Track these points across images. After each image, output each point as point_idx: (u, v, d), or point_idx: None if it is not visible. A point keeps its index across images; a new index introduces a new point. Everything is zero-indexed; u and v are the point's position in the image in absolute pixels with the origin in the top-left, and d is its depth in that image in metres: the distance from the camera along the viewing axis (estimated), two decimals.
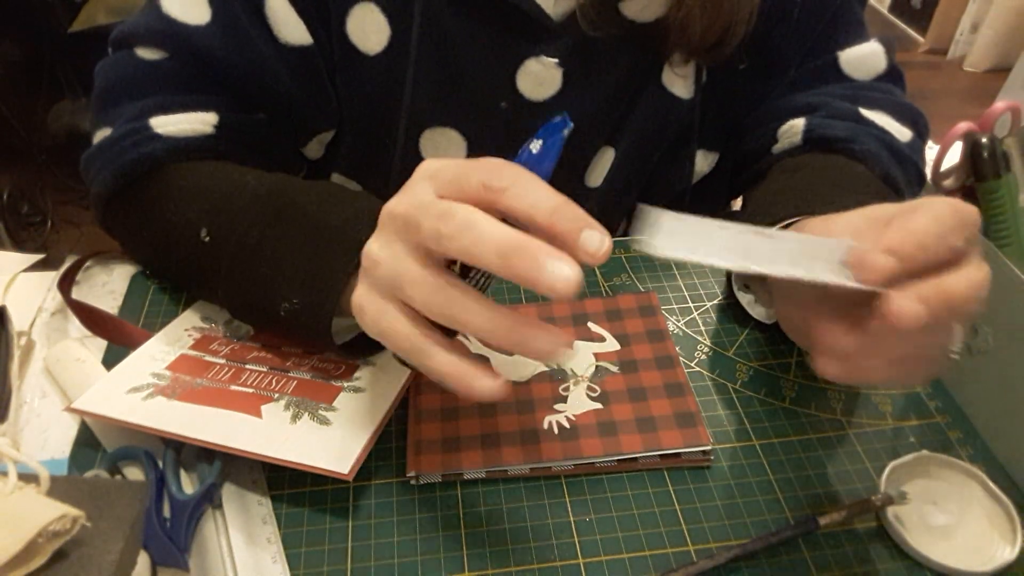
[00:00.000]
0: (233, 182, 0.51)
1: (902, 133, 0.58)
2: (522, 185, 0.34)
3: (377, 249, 0.37)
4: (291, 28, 0.57)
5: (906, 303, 0.33)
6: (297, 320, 0.45)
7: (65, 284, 0.56)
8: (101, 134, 0.56)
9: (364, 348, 0.48)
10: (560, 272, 0.31)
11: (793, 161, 0.57)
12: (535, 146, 0.37)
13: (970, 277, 0.34)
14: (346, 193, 0.48)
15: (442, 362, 0.36)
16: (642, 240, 0.34)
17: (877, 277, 0.34)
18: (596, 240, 0.32)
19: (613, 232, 0.68)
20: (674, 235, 0.34)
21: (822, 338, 0.37)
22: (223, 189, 0.50)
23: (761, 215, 0.47)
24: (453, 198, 0.35)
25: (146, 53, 0.56)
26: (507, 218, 0.34)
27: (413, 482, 0.45)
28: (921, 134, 0.61)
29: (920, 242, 0.34)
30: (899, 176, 0.54)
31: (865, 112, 0.58)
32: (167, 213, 0.52)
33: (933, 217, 0.35)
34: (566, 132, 0.36)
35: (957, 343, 0.37)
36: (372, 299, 0.37)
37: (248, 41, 0.56)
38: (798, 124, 0.59)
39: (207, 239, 0.49)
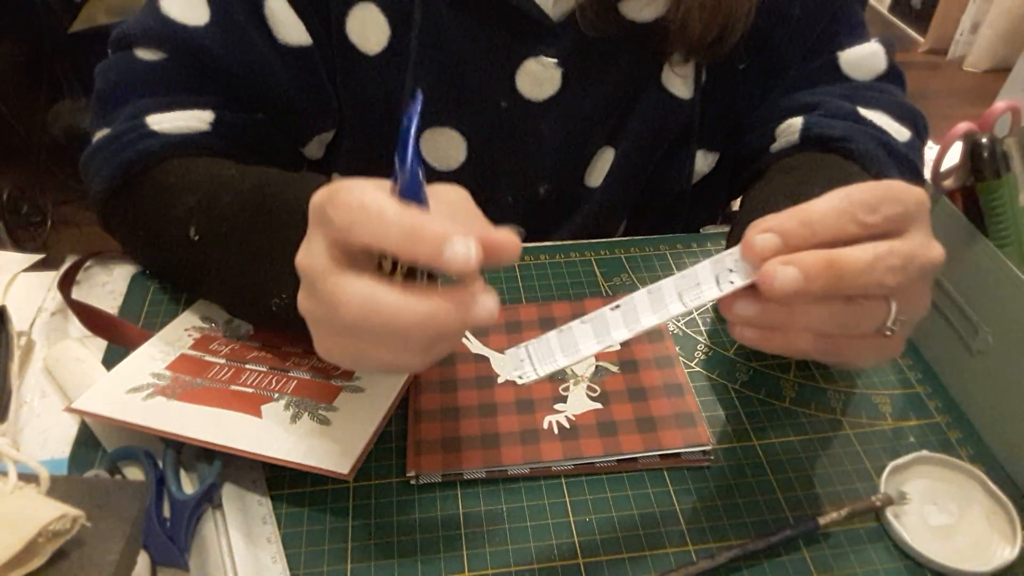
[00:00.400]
0: (218, 178, 0.51)
1: (900, 133, 0.58)
2: (371, 226, 0.32)
3: (313, 309, 0.36)
4: (290, 29, 0.57)
5: (775, 267, 0.34)
6: (289, 315, 0.45)
7: (65, 284, 0.56)
8: (100, 134, 0.56)
9: None
10: (456, 254, 0.31)
11: (789, 161, 0.57)
12: (398, 170, 0.34)
13: (874, 250, 0.34)
14: (322, 179, 0.47)
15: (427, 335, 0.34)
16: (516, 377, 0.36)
17: (755, 257, 0.34)
18: (461, 250, 0.31)
19: (613, 232, 0.69)
20: (534, 357, 0.36)
21: (724, 304, 0.36)
22: (209, 186, 0.50)
23: (757, 214, 0.47)
24: (335, 248, 0.34)
25: (145, 54, 0.56)
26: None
27: (413, 482, 0.45)
28: (920, 134, 0.61)
29: (805, 219, 0.34)
30: (895, 176, 0.54)
31: (863, 111, 0.58)
32: (158, 212, 0.52)
33: (842, 194, 0.35)
34: (405, 122, 0.33)
35: (891, 322, 0.37)
36: (341, 350, 0.36)
37: (247, 42, 0.56)
38: (796, 123, 0.59)
39: (196, 238, 0.49)
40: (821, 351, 0.37)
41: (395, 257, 0.34)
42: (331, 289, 0.33)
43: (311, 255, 0.35)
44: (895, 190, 0.36)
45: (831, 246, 0.35)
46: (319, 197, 0.35)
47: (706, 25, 0.56)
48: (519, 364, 0.36)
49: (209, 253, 0.48)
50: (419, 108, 0.33)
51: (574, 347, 0.37)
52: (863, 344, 0.38)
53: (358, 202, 0.32)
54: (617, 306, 0.36)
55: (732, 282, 0.35)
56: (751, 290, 0.35)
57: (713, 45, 0.57)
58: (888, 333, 0.37)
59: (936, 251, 0.37)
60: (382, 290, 0.33)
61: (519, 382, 0.36)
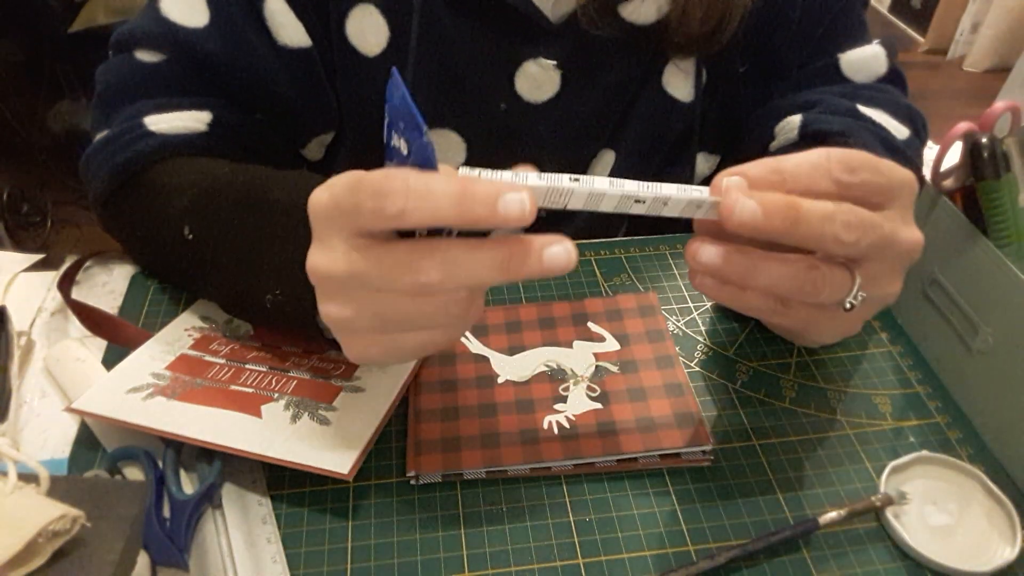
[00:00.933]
0: (212, 177, 0.51)
1: (899, 131, 0.58)
2: (413, 201, 0.31)
3: (340, 311, 0.35)
4: (290, 30, 0.57)
5: (736, 197, 0.34)
6: (283, 311, 0.45)
7: (65, 284, 0.56)
8: (99, 136, 0.56)
9: None
10: (511, 205, 0.31)
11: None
12: (401, 144, 0.34)
13: (836, 209, 0.34)
14: (314, 177, 0.47)
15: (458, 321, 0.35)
16: None
17: (718, 192, 0.35)
18: (516, 204, 0.31)
19: (613, 234, 0.69)
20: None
21: (689, 247, 0.36)
22: (203, 185, 0.50)
23: None
24: (363, 231, 0.33)
25: (145, 56, 0.56)
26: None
27: (413, 482, 0.45)
28: (919, 133, 0.61)
29: (775, 167, 0.35)
30: None
31: (862, 108, 0.58)
32: (154, 212, 0.52)
33: (821, 151, 0.35)
34: (400, 97, 0.33)
35: (853, 296, 0.37)
36: (376, 348, 0.36)
37: (246, 44, 0.56)
38: (794, 120, 0.59)
39: (191, 237, 0.49)
40: (778, 313, 0.37)
41: (450, 227, 0.33)
42: (392, 262, 0.33)
43: (333, 254, 0.34)
44: (881, 163, 0.36)
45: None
46: (329, 195, 0.34)
47: (705, 16, 0.56)
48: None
49: (204, 252, 0.48)
50: (400, 81, 0.33)
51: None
52: (820, 315, 0.38)
53: (403, 186, 0.31)
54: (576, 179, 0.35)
55: (699, 206, 0.35)
56: (716, 237, 0.36)
57: (711, 37, 0.57)
58: (847, 307, 0.37)
59: (911, 235, 0.37)
60: (443, 241, 0.33)
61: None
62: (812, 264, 0.35)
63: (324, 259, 0.35)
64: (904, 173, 0.37)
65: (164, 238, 0.51)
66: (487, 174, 0.34)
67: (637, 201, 0.35)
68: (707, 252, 0.35)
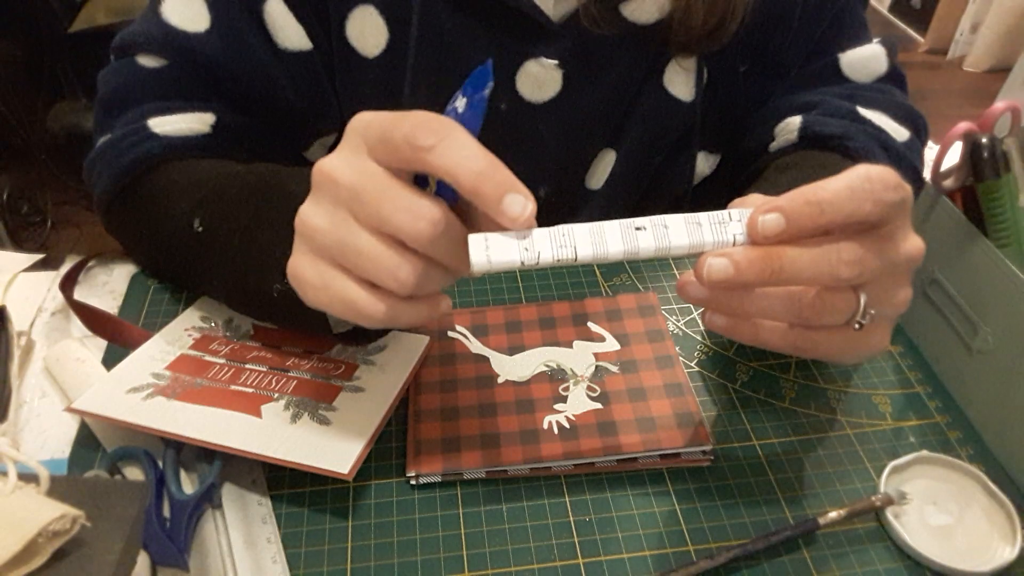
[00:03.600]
0: (224, 173, 0.51)
1: (899, 132, 0.58)
2: (448, 143, 0.33)
3: (315, 215, 0.36)
4: (290, 33, 0.57)
5: (710, 259, 0.34)
6: (290, 301, 0.45)
7: (67, 285, 0.56)
8: (103, 139, 0.56)
9: (364, 335, 0.48)
10: (513, 205, 0.33)
11: (786, 160, 0.57)
12: (460, 104, 0.36)
13: (831, 249, 0.34)
14: None
15: (414, 314, 0.37)
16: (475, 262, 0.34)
17: (761, 239, 0.34)
18: (519, 205, 0.33)
19: None
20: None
21: (679, 284, 0.37)
22: (214, 180, 0.50)
23: None
24: (383, 157, 0.35)
25: (147, 60, 0.56)
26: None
27: (413, 482, 0.45)
28: (919, 135, 0.61)
29: (812, 199, 0.34)
30: None
31: (862, 110, 0.58)
32: (161, 209, 0.52)
33: (856, 174, 0.34)
34: (489, 87, 0.35)
35: (860, 315, 0.36)
36: (316, 269, 0.37)
37: (247, 47, 0.56)
38: (794, 122, 0.59)
39: (200, 228, 0.49)
40: (791, 344, 0.37)
41: (458, 187, 0.34)
42: (392, 194, 0.34)
43: (346, 159, 0.35)
44: (893, 177, 0.36)
45: (847, 226, 0.34)
46: (373, 114, 0.35)
47: (707, 14, 0.56)
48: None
49: (212, 243, 0.48)
50: (488, 92, 0.35)
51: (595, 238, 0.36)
52: (833, 337, 0.37)
53: (444, 129, 0.33)
54: (641, 227, 0.35)
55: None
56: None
57: (713, 34, 0.57)
58: (857, 327, 0.37)
59: (911, 246, 0.36)
60: (442, 203, 0.34)
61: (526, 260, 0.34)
62: (809, 289, 0.35)
63: (336, 161, 0.36)
64: (908, 186, 0.36)
65: (171, 234, 0.51)
66: (496, 239, 0.34)
67: (638, 228, 0.35)
68: (695, 286, 0.36)
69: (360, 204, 0.35)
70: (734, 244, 0.35)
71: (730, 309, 0.37)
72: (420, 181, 0.37)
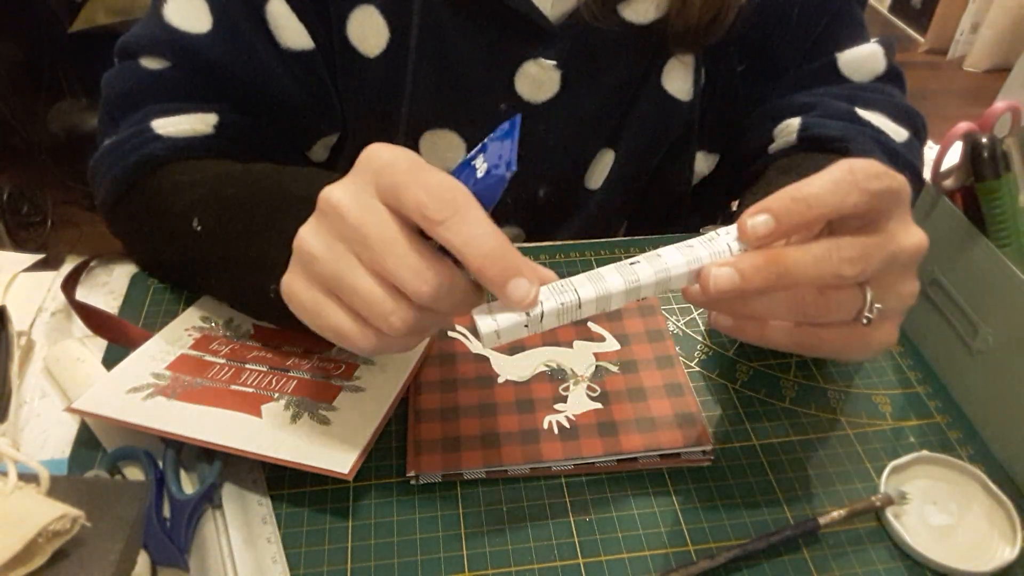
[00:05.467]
0: (223, 173, 0.51)
1: (898, 133, 0.58)
2: (459, 220, 0.33)
3: (315, 242, 0.36)
4: (292, 33, 0.57)
5: (713, 270, 0.34)
6: (286, 303, 0.45)
7: (69, 286, 0.56)
8: (107, 142, 0.56)
9: None
10: (517, 290, 0.33)
11: (785, 162, 0.57)
12: (480, 166, 0.35)
13: (833, 246, 0.34)
14: (322, 172, 0.48)
15: (401, 343, 0.36)
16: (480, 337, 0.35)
17: (749, 239, 0.35)
18: (522, 290, 0.33)
19: (613, 234, 0.68)
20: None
21: (684, 290, 0.37)
22: (214, 180, 0.51)
23: None
24: (393, 205, 0.34)
25: (149, 63, 0.56)
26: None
27: (413, 482, 0.45)
28: (918, 135, 0.61)
29: (798, 195, 0.34)
30: None
31: (861, 112, 0.58)
32: (162, 208, 0.52)
33: (839, 167, 0.35)
34: (512, 162, 0.33)
35: (868, 310, 0.36)
36: (310, 294, 0.37)
37: (249, 48, 0.56)
38: (793, 123, 0.59)
39: (199, 228, 0.49)
40: (797, 343, 0.37)
41: (465, 265, 0.34)
42: (394, 243, 0.34)
43: (355, 192, 0.35)
44: (889, 169, 0.36)
45: (844, 222, 0.35)
46: (391, 154, 0.35)
47: (703, 7, 0.56)
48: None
49: (212, 243, 0.48)
50: (519, 125, 0.34)
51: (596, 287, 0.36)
52: (841, 334, 0.37)
53: (462, 202, 0.33)
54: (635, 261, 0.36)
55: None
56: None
57: (710, 26, 0.57)
58: (865, 321, 0.37)
59: (913, 239, 0.37)
60: (449, 263, 0.34)
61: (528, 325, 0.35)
62: (816, 287, 0.35)
63: (343, 194, 0.35)
64: (902, 177, 0.37)
65: (172, 233, 0.51)
66: (502, 318, 0.34)
67: (633, 263, 0.36)
68: (696, 290, 0.36)
69: (364, 247, 0.34)
70: (731, 254, 0.35)
71: (736, 311, 0.37)
72: None
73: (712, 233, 0.36)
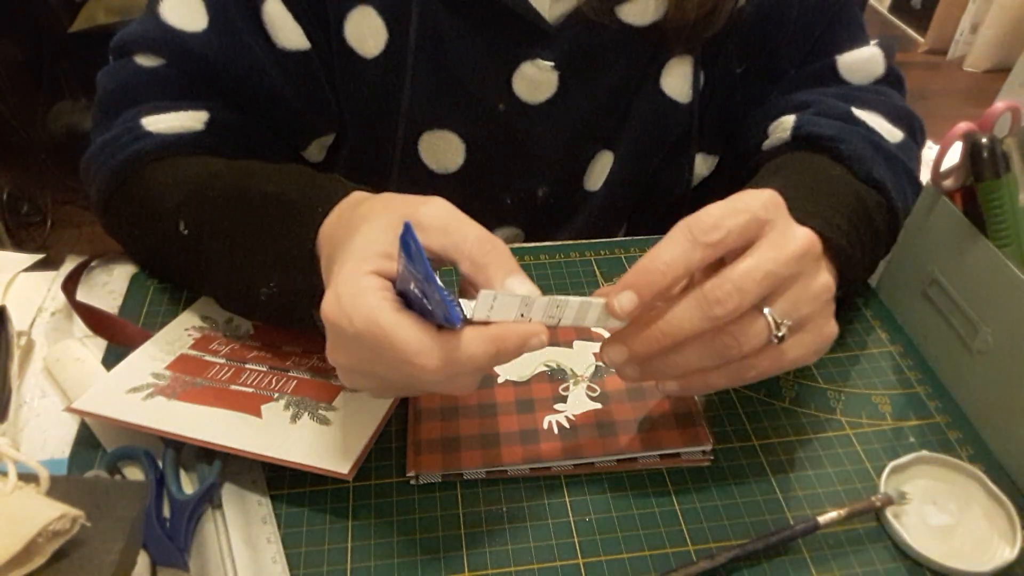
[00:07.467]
0: (205, 172, 0.51)
1: (892, 134, 0.58)
2: (457, 371, 0.36)
3: (339, 356, 0.38)
4: (288, 33, 0.57)
5: (606, 348, 0.39)
6: (278, 304, 0.45)
7: (70, 286, 0.56)
8: (99, 139, 0.56)
9: None
10: (533, 344, 0.36)
11: (777, 161, 0.57)
12: (415, 288, 0.35)
13: (700, 297, 0.37)
14: (306, 171, 0.48)
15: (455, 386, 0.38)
16: None
17: (624, 316, 0.37)
18: (536, 343, 0.36)
19: (613, 235, 0.68)
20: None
21: (600, 352, 0.41)
22: (196, 180, 0.51)
23: None
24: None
25: (145, 60, 0.56)
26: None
27: (413, 482, 0.45)
28: (915, 136, 0.60)
29: (648, 267, 0.37)
30: (885, 176, 0.53)
31: (857, 112, 0.58)
32: (150, 209, 0.52)
33: (682, 226, 0.37)
34: (415, 250, 0.33)
35: (775, 328, 0.38)
36: (348, 373, 0.39)
37: (244, 47, 0.56)
38: (788, 120, 0.59)
39: (185, 231, 0.49)
40: (733, 379, 0.40)
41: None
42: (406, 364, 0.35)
43: (342, 306, 0.36)
44: (737, 202, 0.38)
45: (690, 276, 0.38)
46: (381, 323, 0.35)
47: (700, 5, 0.56)
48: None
49: (199, 247, 0.48)
50: (413, 234, 0.33)
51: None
52: (758, 360, 0.39)
53: (447, 363, 0.35)
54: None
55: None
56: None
57: (706, 21, 0.57)
58: (776, 340, 0.38)
59: (790, 245, 0.38)
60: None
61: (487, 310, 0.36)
62: (716, 328, 0.37)
63: (335, 308, 0.36)
64: (766, 195, 0.38)
65: (160, 235, 0.51)
66: (502, 299, 0.36)
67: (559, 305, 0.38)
68: (614, 353, 0.40)
69: (369, 351, 0.36)
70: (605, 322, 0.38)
71: (667, 373, 0.40)
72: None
73: (588, 300, 0.38)
